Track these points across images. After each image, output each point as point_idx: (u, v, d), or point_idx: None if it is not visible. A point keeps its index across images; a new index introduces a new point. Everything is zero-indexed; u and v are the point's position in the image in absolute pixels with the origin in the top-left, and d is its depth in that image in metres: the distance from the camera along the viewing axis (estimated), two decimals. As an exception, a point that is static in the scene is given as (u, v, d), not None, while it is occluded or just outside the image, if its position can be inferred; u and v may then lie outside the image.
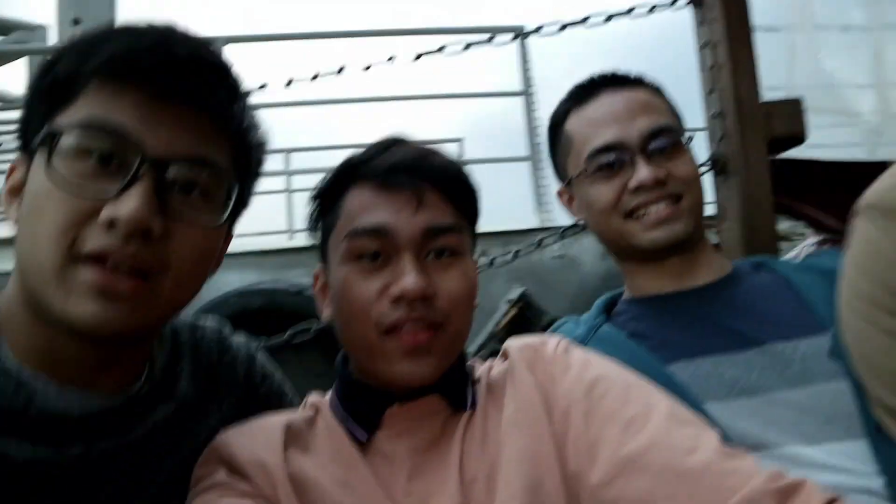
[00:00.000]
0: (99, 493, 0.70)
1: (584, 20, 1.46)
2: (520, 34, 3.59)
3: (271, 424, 0.78)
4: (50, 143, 0.63)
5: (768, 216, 1.45)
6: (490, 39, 1.65)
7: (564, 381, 0.79)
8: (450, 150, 0.91)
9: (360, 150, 0.83)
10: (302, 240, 3.12)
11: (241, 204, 0.76)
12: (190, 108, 0.66)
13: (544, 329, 2.77)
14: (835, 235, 1.60)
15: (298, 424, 0.79)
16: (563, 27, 1.48)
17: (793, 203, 1.62)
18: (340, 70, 1.74)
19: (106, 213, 0.62)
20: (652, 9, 1.55)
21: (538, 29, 1.52)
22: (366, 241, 0.76)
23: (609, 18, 1.52)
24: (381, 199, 0.77)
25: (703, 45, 1.52)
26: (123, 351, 0.72)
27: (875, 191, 0.81)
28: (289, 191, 5.31)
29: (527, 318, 2.78)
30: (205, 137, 0.68)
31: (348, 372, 0.82)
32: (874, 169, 0.84)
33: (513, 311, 2.71)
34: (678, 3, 1.52)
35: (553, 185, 1.26)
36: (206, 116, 0.68)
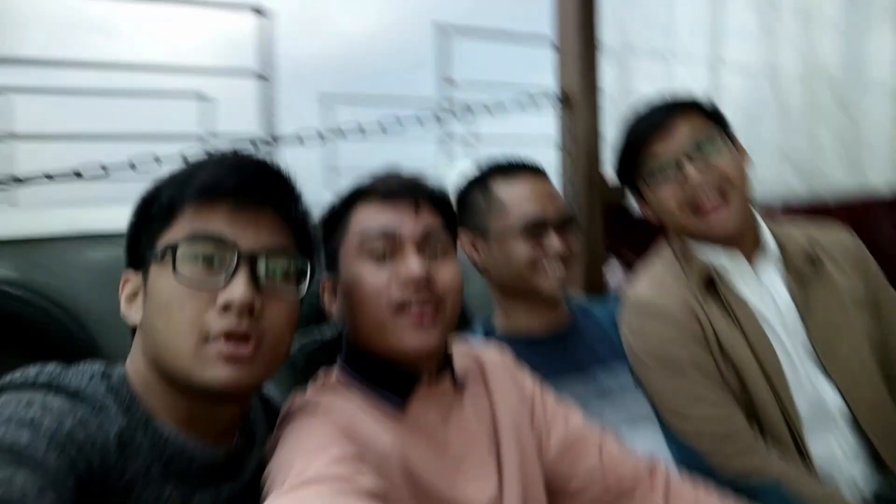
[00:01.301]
0: None
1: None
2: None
3: (327, 433, 0.85)
4: (172, 255, 0.79)
5: (601, 259, 2.14)
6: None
7: (526, 380, 1.13)
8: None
9: (364, 179, 1.02)
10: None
11: (312, 277, 0.90)
12: (265, 211, 0.84)
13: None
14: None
15: (344, 418, 0.90)
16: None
17: (617, 247, 2.31)
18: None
19: (221, 299, 0.78)
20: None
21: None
22: (376, 241, 0.95)
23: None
24: (387, 210, 0.97)
25: (566, 132, 2.17)
26: (239, 409, 0.88)
27: (632, 294, 1.36)
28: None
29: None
30: (278, 231, 0.85)
31: (362, 358, 0.98)
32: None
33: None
34: (547, 106, 2.15)
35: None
36: (276, 215, 0.85)
